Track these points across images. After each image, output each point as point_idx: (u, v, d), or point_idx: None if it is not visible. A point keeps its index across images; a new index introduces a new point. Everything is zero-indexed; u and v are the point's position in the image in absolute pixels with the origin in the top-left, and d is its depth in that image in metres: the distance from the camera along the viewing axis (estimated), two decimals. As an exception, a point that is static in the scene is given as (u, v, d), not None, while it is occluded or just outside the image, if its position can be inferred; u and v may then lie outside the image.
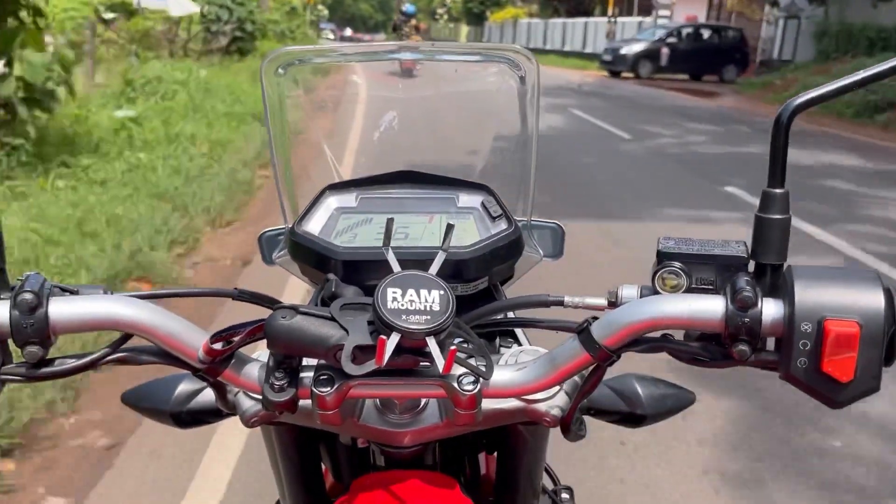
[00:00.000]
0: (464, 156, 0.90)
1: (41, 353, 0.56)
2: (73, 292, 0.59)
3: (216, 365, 0.58)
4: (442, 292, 0.56)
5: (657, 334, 0.57)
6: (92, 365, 0.58)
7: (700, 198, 6.26)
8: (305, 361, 0.58)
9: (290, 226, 0.78)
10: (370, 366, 0.53)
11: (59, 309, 0.56)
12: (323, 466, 0.83)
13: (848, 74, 0.55)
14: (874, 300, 0.51)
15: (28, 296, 0.55)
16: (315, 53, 0.84)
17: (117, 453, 2.35)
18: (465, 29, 51.69)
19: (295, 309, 0.56)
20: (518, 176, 0.84)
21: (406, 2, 16.89)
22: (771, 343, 0.56)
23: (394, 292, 0.55)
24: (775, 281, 0.56)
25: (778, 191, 0.56)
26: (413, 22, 16.77)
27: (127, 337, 0.59)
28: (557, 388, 0.66)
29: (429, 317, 0.54)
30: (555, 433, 0.72)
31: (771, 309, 0.53)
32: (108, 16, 11.61)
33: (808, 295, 0.52)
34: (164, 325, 0.57)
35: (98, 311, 0.57)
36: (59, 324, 0.56)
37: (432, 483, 0.69)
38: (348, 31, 65.05)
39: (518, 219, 0.79)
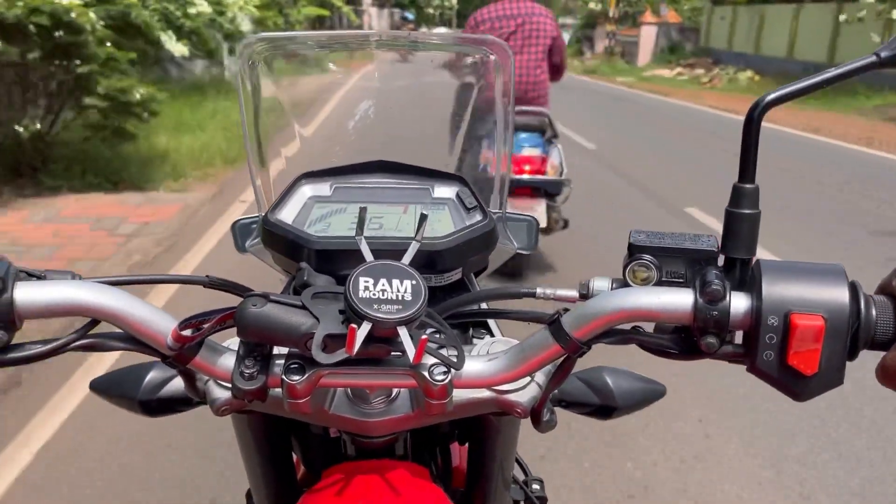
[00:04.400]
0: (439, 146, 0.90)
1: (6, 339, 0.55)
2: (39, 277, 0.58)
3: (185, 352, 0.58)
4: (414, 282, 0.56)
5: (628, 326, 0.58)
6: (58, 350, 0.57)
7: None
8: (276, 350, 0.58)
9: (263, 214, 0.78)
10: (340, 354, 0.53)
11: (25, 294, 0.55)
12: (294, 457, 0.82)
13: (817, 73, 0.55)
14: (839, 294, 0.52)
15: None
16: (290, 40, 0.84)
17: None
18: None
19: (266, 297, 0.55)
20: (492, 168, 0.84)
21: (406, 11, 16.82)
22: (739, 337, 0.57)
23: (366, 281, 0.55)
24: (744, 275, 0.57)
25: (748, 186, 0.56)
26: (410, 27, 16.77)
27: (94, 323, 0.58)
28: (528, 378, 0.66)
29: (400, 306, 0.54)
30: (527, 425, 0.72)
31: (739, 302, 0.54)
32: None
33: (775, 289, 0.53)
34: (132, 311, 0.57)
35: (64, 296, 0.56)
36: (24, 309, 0.55)
37: (403, 472, 0.69)
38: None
39: (492, 211, 0.79)
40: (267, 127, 0.82)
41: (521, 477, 1.00)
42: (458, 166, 0.85)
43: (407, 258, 0.59)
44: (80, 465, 2.30)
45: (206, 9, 9.18)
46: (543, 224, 3.48)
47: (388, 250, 0.63)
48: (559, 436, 2.42)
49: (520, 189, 3.58)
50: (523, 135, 3.77)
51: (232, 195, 5.81)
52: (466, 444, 0.82)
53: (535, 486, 0.99)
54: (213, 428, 2.30)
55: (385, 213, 0.77)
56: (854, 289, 0.53)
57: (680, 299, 0.55)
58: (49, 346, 0.57)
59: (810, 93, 0.56)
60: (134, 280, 0.66)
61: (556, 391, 0.77)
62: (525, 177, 3.60)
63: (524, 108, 3.82)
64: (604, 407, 0.79)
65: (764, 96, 0.56)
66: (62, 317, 0.57)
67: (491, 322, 0.78)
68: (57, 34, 5.33)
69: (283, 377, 0.56)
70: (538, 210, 3.57)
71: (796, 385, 0.53)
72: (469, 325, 0.78)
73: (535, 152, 3.73)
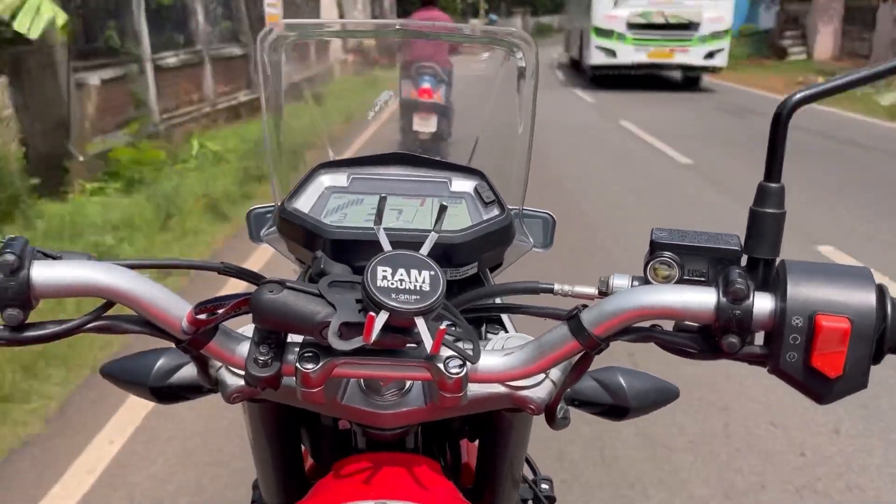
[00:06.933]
0: (459, 139, 0.90)
1: (21, 317, 0.55)
2: (56, 257, 0.58)
3: (200, 337, 0.57)
4: (432, 273, 0.55)
5: (647, 324, 0.57)
6: (73, 331, 0.57)
7: None
8: (291, 338, 0.58)
9: (279, 203, 0.78)
10: (357, 342, 0.52)
11: (41, 273, 0.55)
12: (303, 448, 0.82)
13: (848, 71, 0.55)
14: (866, 297, 0.51)
15: (10, 257, 0.54)
16: (314, 28, 0.83)
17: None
18: None
19: (282, 284, 0.55)
20: (513, 163, 0.84)
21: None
22: (760, 338, 0.56)
23: (384, 271, 0.54)
24: (767, 275, 0.56)
25: (774, 185, 0.56)
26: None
27: (109, 304, 0.58)
28: (543, 375, 0.65)
29: (418, 297, 0.53)
30: (538, 423, 0.72)
31: (763, 302, 0.53)
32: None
33: (801, 290, 0.52)
34: (148, 294, 0.56)
35: (80, 276, 0.56)
36: (40, 287, 0.55)
37: (413, 466, 0.69)
38: None
39: (510, 207, 0.78)
40: (287, 115, 0.82)
41: (530, 476, 0.99)
42: (477, 160, 0.85)
43: (425, 249, 0.58)
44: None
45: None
46: (433, 129, 5.11)
47: (405, 242, 0.62)
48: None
49: (422, 107, 5.31)
50: (427, 77, 5.50)
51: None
52: (476, 441, 0.81)
53: (545, 486, 0.98)
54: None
55: (403, 206, 0.77)
56: (881, 292, 0.52)
57: (702, 298, 0.54)
58: (64, 326, 0.57)
59: (841, 92, 0.56)
60: (149, 264, 0.66)
61: (568, 390, 0.76)
62: (425, 99, 5.37)
63: (425, 63, 5.49)
64: (616, 407, 0.78)
65: (793, 95, 0.55)
66: (78, 297, 0.57)
67: (505, 318, 0.77)
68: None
69: (297, 365, 0.55)
70: (431, 121, 5.19)
71: (820, 387, 0.52)
72: (483, 321, 0.77)
73: (429, 86, 5.51)
